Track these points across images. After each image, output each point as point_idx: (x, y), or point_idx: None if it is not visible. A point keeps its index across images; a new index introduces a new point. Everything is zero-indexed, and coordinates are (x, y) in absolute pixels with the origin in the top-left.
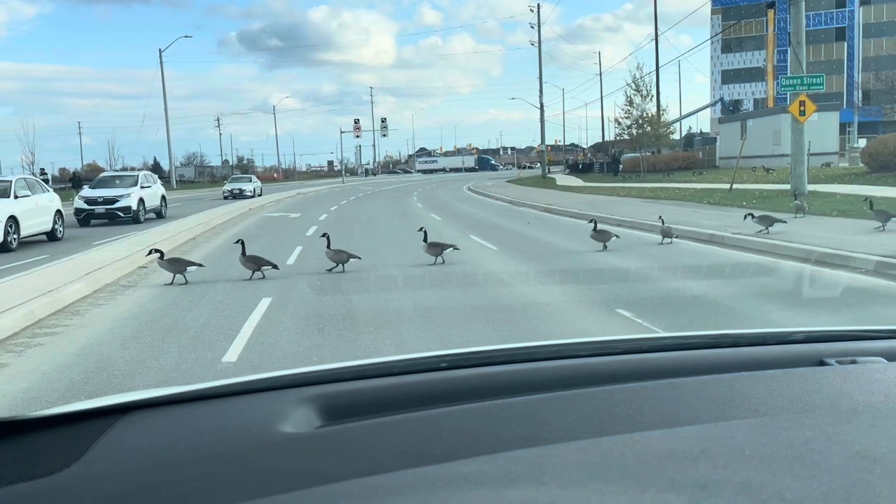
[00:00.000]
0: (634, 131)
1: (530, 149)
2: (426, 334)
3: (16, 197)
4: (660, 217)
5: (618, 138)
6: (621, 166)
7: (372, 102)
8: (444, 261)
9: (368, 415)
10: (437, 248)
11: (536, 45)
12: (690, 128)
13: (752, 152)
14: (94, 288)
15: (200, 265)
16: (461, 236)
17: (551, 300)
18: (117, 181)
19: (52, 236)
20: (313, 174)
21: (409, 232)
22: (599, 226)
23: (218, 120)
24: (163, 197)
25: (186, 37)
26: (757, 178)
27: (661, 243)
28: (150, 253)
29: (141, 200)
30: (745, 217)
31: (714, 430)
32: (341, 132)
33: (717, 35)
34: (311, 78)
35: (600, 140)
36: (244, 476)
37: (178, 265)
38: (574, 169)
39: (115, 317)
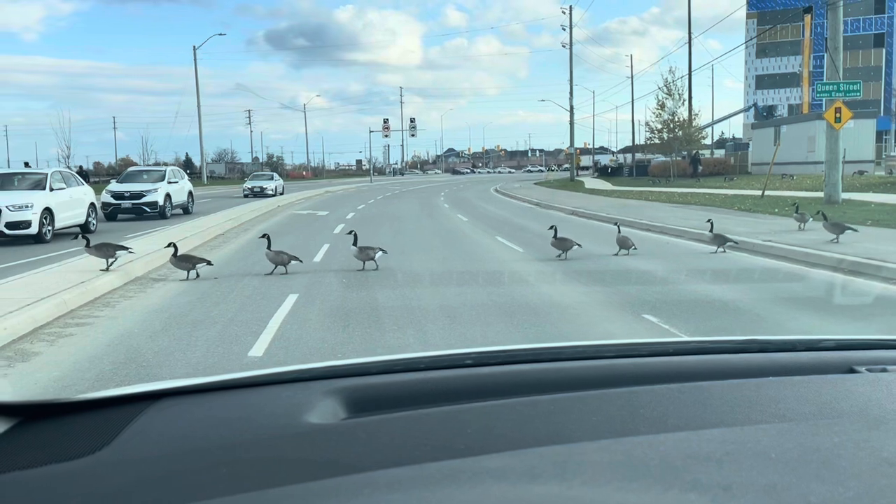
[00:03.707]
0: (665, 135)
1: (559, 151)
2: (450, 333)
3: (51, 189)
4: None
5: (648, 142)
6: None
7: (401, 103)
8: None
9: (394, 408)
10: (369, 251)
11: (567, 46)
12: (723, 133)
13: (785, 159)
14: (125, 280)
15: (209, 263)
16: (487, 237)
17: (576, 302)
18: (144, 176)
19: (85, 229)
20: (342, 173)
21: (436, 232)
22: (560, 233)
23: (249, 116)
24: (190, 192)
25: (220, 34)
26: (790, 184)
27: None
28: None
29: (168, 196)
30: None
31: (739, 434)
32: (370, 131)
33: (752, 39)
34: (338, 77)
35: (630, 143)
36: (271, 464)
37: (188, 262)
38: (603, 172)
39: (144, 309)
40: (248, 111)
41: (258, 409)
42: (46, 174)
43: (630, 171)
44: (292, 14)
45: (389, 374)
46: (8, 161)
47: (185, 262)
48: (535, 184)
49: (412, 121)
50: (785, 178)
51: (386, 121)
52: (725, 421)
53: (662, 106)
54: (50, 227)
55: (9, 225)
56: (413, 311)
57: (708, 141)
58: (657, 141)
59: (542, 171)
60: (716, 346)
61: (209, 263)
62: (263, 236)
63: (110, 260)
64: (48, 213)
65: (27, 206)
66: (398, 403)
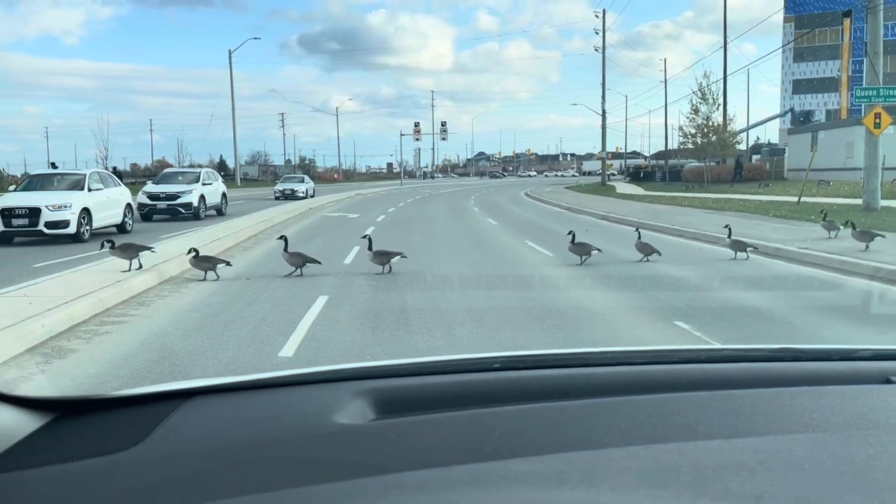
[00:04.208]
0: (699, 140)
1: (590, 155)
2: (479, 336)
3: (89, 190)
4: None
5: (681, 147)
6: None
7: (433, 106)
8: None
9: (422, 410)
10: (385, 256)
11: (600, 50)
12: (758, 138)
13: (822, 165)
14: (160, 280)
15: (228, 263)
16: (516, 241)
17: (606, 307)
18: (179, 178)
19: (121, 229)
20: (372, 175)
21: (465, 235)
22: (589, 239)
23: (282, 119)
24: (223, 194)
25: (255, 38)
26: (827, 191)
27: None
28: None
29: (202, 197)
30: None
31: (772, 443)
32: (401, 135)
33: (789, 44)
34: (370, 81)
35: (663, 148)
36: (300, 463)
37: (207, 262)
38: (635, 177)
39: (178, 308)
40: (282, 114)
41: (288, 409)
42: (85, 175)
43: (663, 175)
44: (325, 18)
45: (418, 376)
46: (48, 161)
47: (204, 262)
48: (566, 188)
49: (443, 124)
50: (822, 184)
51: (417, 124)
52: (758, 430)
53: (696, 110)
54: (87, 227)
55: (48, 224)
56: (442, 313)
57: (743, 146)
58: (690, 146)
59: (574, 176)
60: (748, 354)
61: (228, 264)
62: (281, 237)
63: (134, 260)
64: (86, 213)
65: (66, 207)
66: (426, 406)
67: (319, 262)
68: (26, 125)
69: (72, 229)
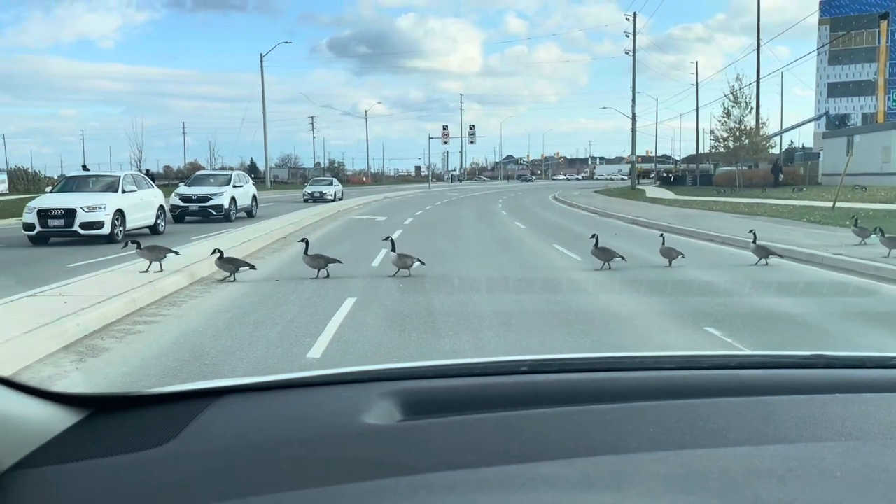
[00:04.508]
0: (731, 144)
1: (620, 159)
2: (505, 340)
3: (123, 192)
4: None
5: (713, 150)
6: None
7: (461, 109)
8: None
9: (449, 412)
10: (406, 259)
11: (630, 53)
12: (791, 142)
13: (858, 169)
14: (191, 280)
15: (252, 267)
16: (544, 245)
17: (634, 312)
18: (211, 180)
19: (154, 230)
20: (401, 178)
21: (493, 238)
22: (600, 244)
23: (312, 123)
24: (254, 196)
25: (286, 42)
26: (862, 196)
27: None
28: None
29: (233, 199)
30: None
31: (803, 451)
32: (429, 138)
33: (824, 46)
34: (399, 84)
35: (694, 152)
36: (329, 462)
37: (231, 264)
38: (665, 181)
39: (209, 309)
40: (311, 117)
41: (317, 408)
42: (119, 177)
43: (693, 179)
44: (355, 22)
45: (445, 378)
46: (84, 163)
47: (228, 263)
48: (595, 192)
49: (471, 127)
50: (857, 189)
51: (445, 127)
52: (789, 437)
53: (728, 114)
54: (121, 228)
55: (83, 225)
56: (469, 317)
57: (776, 150)
58: (722, 150)
59: (602, 179)
60: (780, 360)
61: (252, 268)
62: (302, 241)
63: (159, 261)
64: (120, 214)
65: (100, 208)
66: (453, 408)
67: (340, 262)
68: (63, 128)
69: (106, 230)
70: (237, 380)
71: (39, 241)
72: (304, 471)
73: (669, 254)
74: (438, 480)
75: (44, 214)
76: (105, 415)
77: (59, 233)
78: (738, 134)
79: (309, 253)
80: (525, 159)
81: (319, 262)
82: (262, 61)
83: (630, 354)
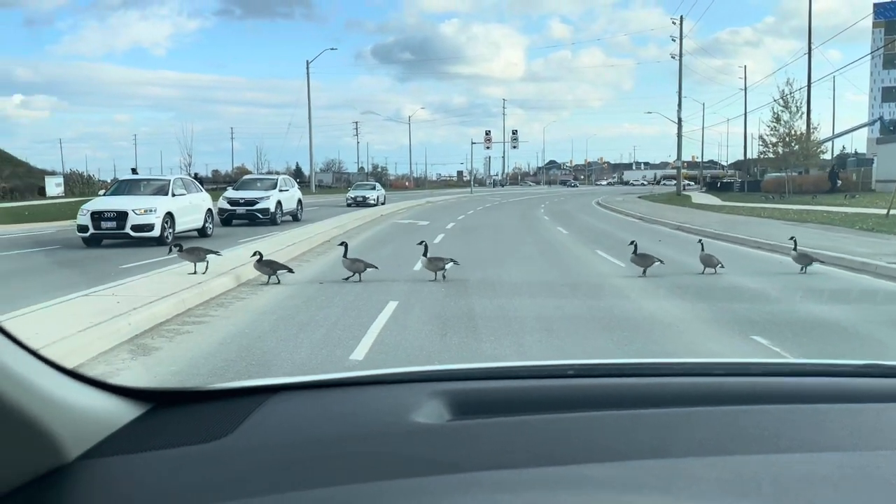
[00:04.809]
0: (780, 149)
1: (665, 164)
2: (547, 345)
3: (173, 195)
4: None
5: (761, 156)
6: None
7: (504, 115)
8: (443, 277)
9: (497, 414)
10: (438, 262)
11: (676, 57)
12: (843, 148)
13: None
14: (238, 282)
15: (290, 270)
16: (587, 250)
17: (679, 319)
18: (258, 184)
19: (202, 233)
20: (443, 183)
21: (535, 243)
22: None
23: (356, 128)
24: (299, 200)
25: (332, 49)
26: None
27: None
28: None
29: (279, 203)
30: None
31: (858, 458)
32: (472, 143)
33: (878, 50)
34: (441, 90)
35: (742, 157)
36: (381, 459)
37: (271, 267)
38: (711, 187)
39: (255, 310)
40: (356, 123)
41: (368, 407)
42: (169, 181)
43: (741, 186)
44: (399, 29)
45: (492, 380)
46: (136, 167)
47: (267, 266)
48: (639, 197)
49: (514, 132)
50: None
51: (488, 132)
52: (842, 445)
53: (778, 119)
54: (171, 231)
55: (134, 227)
56: (510, 321)
57: (827, 156)
58: (771, 155)
59: (645, 185)
60: (833, 369)
61: (290, 271)
62: (342, 244)
63: (200, 263)
64: (169, 217)
65: (151, 211)
66: (501, 409)
67: (376, 267)
68: (116, 133)
69: (156, 233)
70: (290, 378)
71: (93, 242)
72: (356, 466)
73: (709, 261)
74: (487, 479)
75: (97, 217)
76: (166, 408)
77: (111, 234)
78: (787, 139)
79: (348, 256)
80: (568, 164)
81: (358, 265)
82: (308, 68)
83: (678, 360)
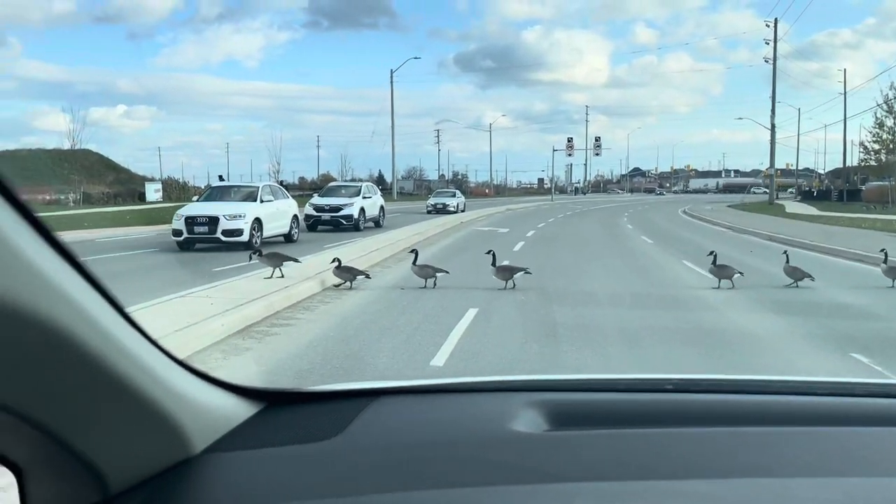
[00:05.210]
0: (884, 157)
1: (756, 172)
2: (630, 356)
3: (261, 201)
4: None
5: (862, 164)
6: None
7: (587, 121)
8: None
9: (595, 426)
10: (507, 272)
11: (770, 61)
12: None
13: None
14: (323, 287)
15: (367, 276)
16: (673, 260)
17: (771, 334)
18: (342, 191)
19: (288, 238)
20: (523, 191)
21: (617, 253)
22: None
23: (437, 136)
24: (381, 207)
25: (415, 58)
26: None
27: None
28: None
29: (362, 210)
30: None
31: None
32: (553, 150)
33: None
34: (523, 97)
35: (840, 165)
36: (481, 464)
37: (350, 273)
38: (807, 196)
39: (339, 314)
40: (437, 131)
41: (467, 413)
42: (258, 187)
43: (839, 195)
44: (481, 36)
45: (589, 392)
46: (228, 174)
47: (345, 272)
48: (729, 206)
49: (597, 139)
50: None
51: (570, 139)
52: None
53: (881, 125)
54: (258, 236)
55: (224, 232)
56: (591, 331)
57: None
58: (873, 163)
59: (709, 192)
60: None
61: (367, 276)
62: (412, 251)
63: (279, 268)
64: (258, 222)
65: (241, 216)
66: (599, 422)
67: (447, 272)
68: (210, 141)
69: (245, 237)
70: (391, 382)
71: (186, 245)
72: (457, 471)
73: (794, 273)
74: (590, 490)
75: (190, 221)
76: (277, 408)
77: (203, 239)
78: (892, 146)
79: (418, 263)
80: (653, 172)
81: (427, 271)
82: (392, 77)
83: (780, 378)
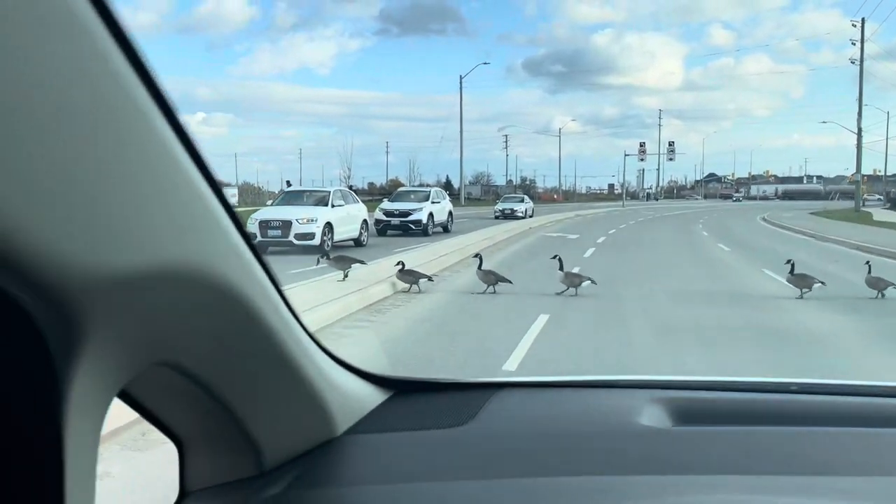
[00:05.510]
0: None
1: (841, 178)
2: (711, 364)
3: (332, 206)
4: (867, 263)
5: None
6: None
7: (659, 126)
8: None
9: (720, 423)
10: (575, 279)
11: (857, 63)
12: None
13: None
14: (395, 290)
15: (430, 279)
16: (752, 269)
17: (857, 342)
18: (412, 196)
19: (357, 242)
20: (593, 196)
21: (693, 260)
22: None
23: (506, 141)
24: (450, 212)
25: (485, 63)
26: None
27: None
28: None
29: (430, 215)
30: None
31: None
32: (625, 155)
33: None
34: (592, 101)
35: None
36: (611, 455)
37: (413, 277)
38: None
39: (410, 317)
40: (506, 136)
41: (593, 407)
42: (329, 192)
43: None
44: (550, 41)
45: (711, 391)
46: (300, 179)
47: (408, 275)
48: (811, 213)
49: (670, 144)
50: None
51: (642, 144)
52: None
53: None
54: (329, 239)
55: (297, 236)
56: (668, 341)
57: None
58: None
59: (770, 199)
60: None
61: (430, 279)
62: (476, 256)
63: (346, 271)
64: (328, 227)
65: (312, 220)
66: (724, 419)
67: (510, 282)
68: (283, 147)
69: (316, 241)
70: (510, 377)
71: (260, 249)
72: (591, 460)
73: (877, 284)
74: (724, 482)
75: (264, 225)
76: (406, 395)
77: (276, 242)
78: None
79: (483, 268)
80: (729, 177)
81: (490, 277)
82: (461, 83)
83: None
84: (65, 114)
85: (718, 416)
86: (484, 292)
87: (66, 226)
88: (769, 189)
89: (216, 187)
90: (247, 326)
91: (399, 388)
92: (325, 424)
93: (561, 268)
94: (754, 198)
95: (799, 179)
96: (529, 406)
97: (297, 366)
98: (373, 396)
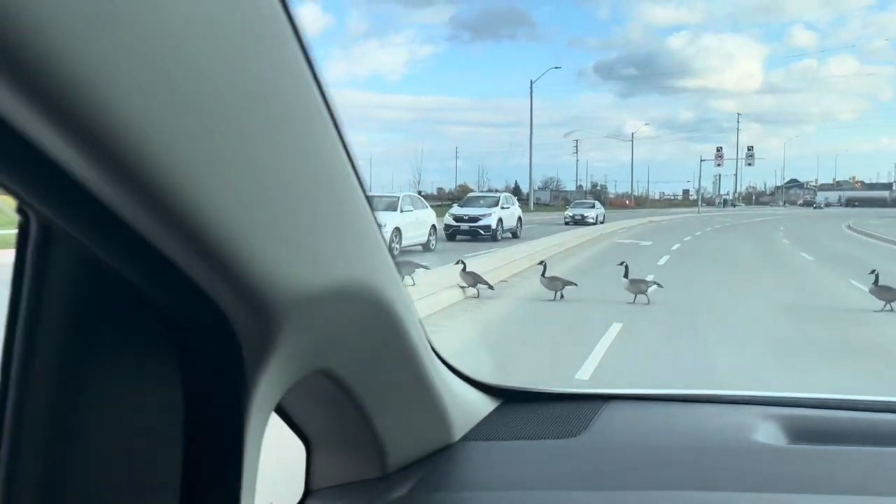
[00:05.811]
0: None
1: None
2: (792, 382)
3: (401, 211)
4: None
5: None
6: None
7: (737, 130)
8: None
9: (838, 442)
10: (641, 284)
11: None
12: None
13: None
14: (464, 295)
15: (490, 287)
16: (837, 279)
17: None
18: (481, 201)
19: (426, 247)
20: (666, 202)
21: (774, 270)
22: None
23: (576, 146)
24: (519, 218)
25: (556, 68)
26: None
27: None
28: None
29: (500, 220)
30: None
31: None
32: (701, 160)
33: None
34: (666, 105)
35: None
36: (728, 471)
37: (473, 279)
38: None
39: (480, 323)
40: (576, 141)
41: (705, 422)
42: (399, 197)
43: None
44: (623, 44)
45: (824, 409)
46: (371, 185)
47: (469, 276)
48: None
49: (749, 148)
50: None
51: (719, 149)
52: None
53: None
54: (397, 245)
55: None
56: (746, 354)
57: None
58: None
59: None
60: None
61: (491, 287)
62: (541, 263)
63: (410, 275)
64: (397, 231)
65: (382, 225)
66: (843, 438)
67: (575, 285)
68: (355, 153)
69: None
70: (619, 389)
71: None
72: (706, 476)
73: (883, 294)
74: (837, 502)
75: None
76: (515, 404)
77: None
78: None
79: (547, 275)
80: (812, 183)
81: (556, 283)
82: (531, 87)
83: None
84: (272, 140)
85: (837, 435)
86: (553, 299)
87: (279, 244)
88: (832, 196)
89: (371, 204)
90: (394, 338)
91: (508, 397)
92: (445, 431)
93: (626, 275)
94: (819, 205)
95: (888, 186)
96: (641, 419)
97: (426, 374)
98: (485, 404)
